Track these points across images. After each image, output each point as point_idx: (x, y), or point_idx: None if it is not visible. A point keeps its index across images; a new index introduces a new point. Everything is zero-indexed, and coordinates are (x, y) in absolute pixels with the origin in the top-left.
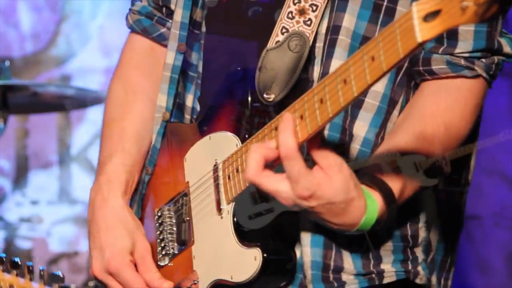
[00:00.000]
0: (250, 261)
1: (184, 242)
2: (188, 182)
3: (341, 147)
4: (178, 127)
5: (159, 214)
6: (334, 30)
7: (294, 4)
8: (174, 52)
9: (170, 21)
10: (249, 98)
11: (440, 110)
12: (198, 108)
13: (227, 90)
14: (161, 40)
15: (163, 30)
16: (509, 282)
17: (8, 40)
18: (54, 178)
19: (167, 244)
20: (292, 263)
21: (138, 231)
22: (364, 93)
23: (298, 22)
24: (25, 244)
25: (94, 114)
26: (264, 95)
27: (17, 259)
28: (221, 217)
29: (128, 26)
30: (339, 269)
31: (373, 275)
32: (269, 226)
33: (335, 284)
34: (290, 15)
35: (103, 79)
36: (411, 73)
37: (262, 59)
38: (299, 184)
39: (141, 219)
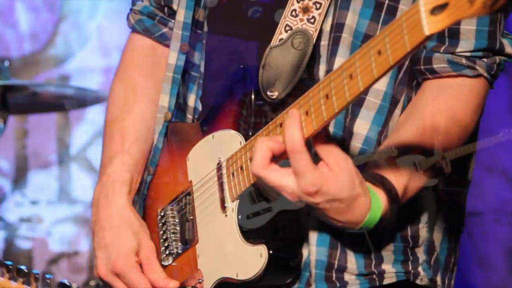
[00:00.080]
0: (255, 258)
1: (188, 241)
2: (191, 181)
3: (342, 145)
4: (180, 126)
5: (162, 214)
6: (337, 28)
7: (298, 2)
8: (176, 52)
9: (172, 21)
10: (252, 96)
11: (442, 109)
12: (200, 108)
13: (229, 89)
14: (163, 40)
15: (165, 30)
16: (509, 278)
17: (6, 40)
18: (53, 178)
19: (170, 243)
20: (298, 260)
21: (143, 231)
22: (369, 88)
23: (301, 20)
24: (25, 244)
25: (93, 114)
26: (268, 93)
27: (23, 267)
28: (226, 215)
29: (129, 26)
30: (342, 269)
31: (374, 276)
32: (272, 223)
33: (337, 284)
34: (293, 13)
35: (102, 79)
36: (413, 72)
37: (266, 56)
38: (304, 179)
39: (144, 219)
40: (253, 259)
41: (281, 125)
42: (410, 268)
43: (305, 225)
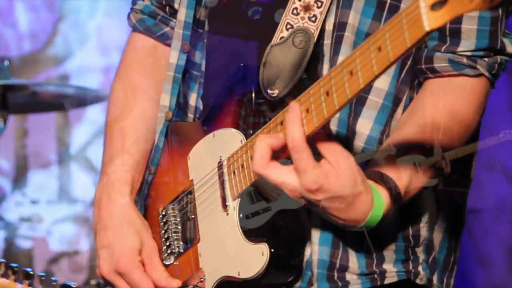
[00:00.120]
0: (257, 256)
1: (190, 240)
2: (192, 180)
3: (344, 144)
4: (181, 126)
5: (164, 213)
6: (340, 27)
7: (299, 0)
8: (177, 51)
9: (174, 20)
10: (253, 95)
11: (443, 108)
12: (201, 107)
13: (230, 87)
14: (164, 40)
15: (167, 29)
16: (509, 276)
17: (6, 40)
18: (53, 178)
19: (172, 242)
20: (299, 259)
21: (145, 230)
22: (369, 86)
23: (303, 18)
24: (26, 244)
25: (93, 113)
26: (268, 91)
27: (29, 269)
28: (227, 214)
29: (130, 25)
30: (344, 268)
31: (376, 275)
32: (274, 222)
33: (339, 284)
34: (295, 11)
35: (102, 78)
36: (414, 71)
37: (267, 54)
38: (306, 176)
39: (145, 218)
40: (254, 258)
41: (281, 123)
42: (410, 268)
43: (307, 224)
